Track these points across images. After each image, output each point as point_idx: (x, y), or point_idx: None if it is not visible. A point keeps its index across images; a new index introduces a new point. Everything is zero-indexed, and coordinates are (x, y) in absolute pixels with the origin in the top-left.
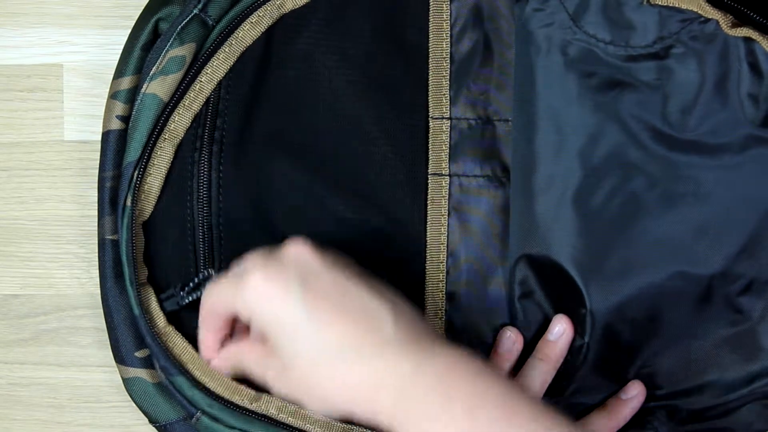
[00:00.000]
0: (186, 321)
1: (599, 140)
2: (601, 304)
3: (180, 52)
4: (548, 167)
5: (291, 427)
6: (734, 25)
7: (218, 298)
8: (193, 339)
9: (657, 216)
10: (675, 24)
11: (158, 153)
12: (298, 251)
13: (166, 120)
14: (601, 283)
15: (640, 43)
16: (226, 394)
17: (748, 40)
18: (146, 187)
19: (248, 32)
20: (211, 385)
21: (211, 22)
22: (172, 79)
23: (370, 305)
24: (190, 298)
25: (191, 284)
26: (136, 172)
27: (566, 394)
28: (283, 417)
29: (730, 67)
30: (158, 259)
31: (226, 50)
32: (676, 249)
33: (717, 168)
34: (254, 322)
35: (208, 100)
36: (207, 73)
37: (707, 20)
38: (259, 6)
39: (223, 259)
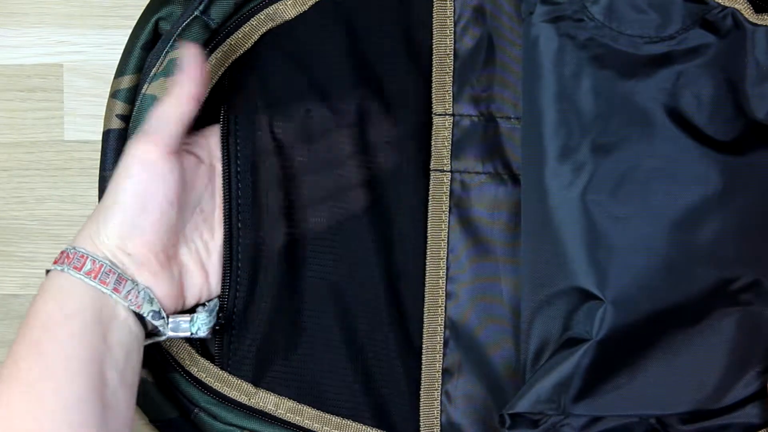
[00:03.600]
0: None
1: (615, 131)
2: (616, 301)
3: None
4: (560, 162)
5: (287, 422)
6: (758, 10)
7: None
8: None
9: (668, 207)
10: (693, 13)
11: None
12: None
13: None
14: (616, 277)
15: (656, 33)
16: (223, 390)
17: (759, 30)
18: None
19: (244, 37)
20: (208, 381)
21: (213, 25)
22: (172, 81)
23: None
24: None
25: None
26: None
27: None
28: (280, 413)
29: (741, 60)
30: None
31: (219, 56)
32: (684, 239)
33: (730, 160)
34: None
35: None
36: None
37: (724, 8)
38: (260, 10)
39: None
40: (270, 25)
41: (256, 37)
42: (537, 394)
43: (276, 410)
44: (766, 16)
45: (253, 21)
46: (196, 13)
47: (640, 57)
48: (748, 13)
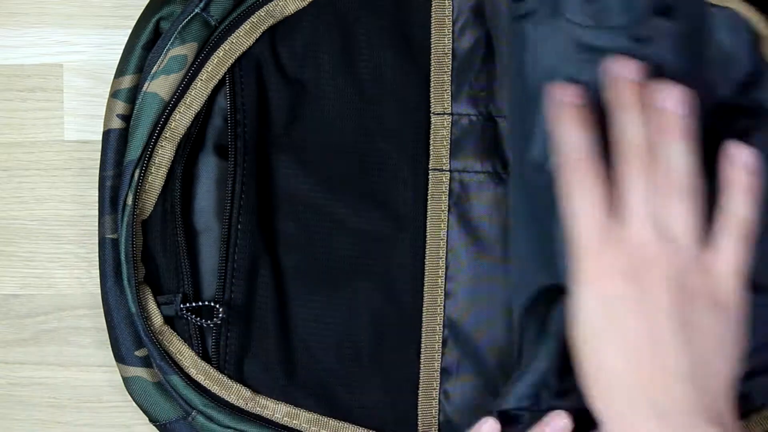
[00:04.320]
0: (182, 322)
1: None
2: None
3: (181, 51)
4: (544, 159)
5: (285, 426)
6: None
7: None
8: (189, 339)
9: None
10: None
11: (159, 152)
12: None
13: (167, 119)
14: None
15: (615, 23)
16: (222, 394)
17: (723, 10)
18: (147, 186)
19: (246, 34)
20: (207, 384)
21: (213, 22)
22: (173, 79)
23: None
24: (190, 316)
25: (193, 304)
26: (137, 170)
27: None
28: (277, 417)
29: (705, 43)
30: (155, 258)
31: (221, 54)
32: None
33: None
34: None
35: (233, 95)
36: (206, 72)
37: None
38: (260, 6)
39: (230, 262)
40: (271, 21)
41: (257, 34)
42: (520, 390)
43: (273, 415)
44: None
45: (254, 18)
46: (196, 11)
47: (599, 47)
48: None
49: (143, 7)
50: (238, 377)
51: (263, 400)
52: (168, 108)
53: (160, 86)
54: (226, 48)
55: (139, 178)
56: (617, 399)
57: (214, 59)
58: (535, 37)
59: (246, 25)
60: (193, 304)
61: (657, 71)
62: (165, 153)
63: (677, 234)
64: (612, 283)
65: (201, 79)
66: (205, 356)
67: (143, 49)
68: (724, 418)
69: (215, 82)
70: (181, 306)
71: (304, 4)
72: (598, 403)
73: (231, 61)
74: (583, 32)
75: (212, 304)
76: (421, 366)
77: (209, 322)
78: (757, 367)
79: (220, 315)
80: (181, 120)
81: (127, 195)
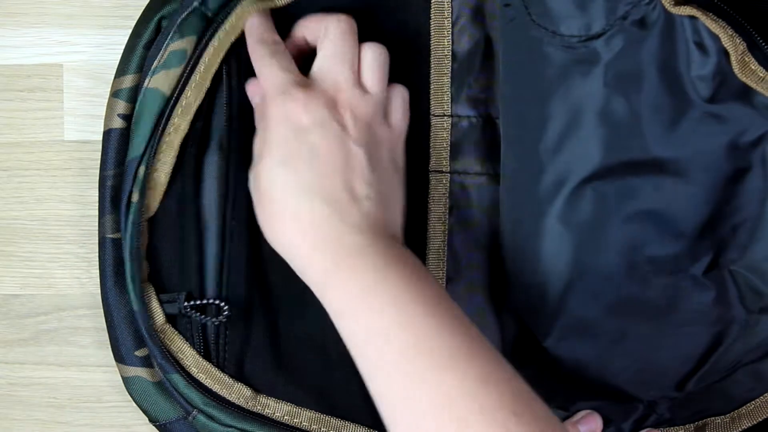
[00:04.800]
0: (184, 321)
1: (557, 135)
2: (583, 303)
3: (181, 45)
4: (522, 163)
5: (286, 425)
6: (677, 3)
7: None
8: (190, 338)
9: (621, 212)
10: (622, 8)
11: (163, 148)
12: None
13: (170, 114)
14: (584, 284)
15: (585, 33)
16: (223, 393)
17: (692, 18)
18: (152, 183)
19: (237, 22)
20: (208, 383)
21: (211, 15)
22: (174, 73)
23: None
24: (195, 314)
25: (197, 302)
26: (143, 167)
27: None
28: (278, 416)
29: (678, 49)
30: (161, 256)
31: (216, 44)
32: (639, 233)
33: (674, 148)
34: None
35: (230, 90)
36: (204, 64)
37: (651, 1)
38: None
39: (226, 258)
40: (267, 6)
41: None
42: None
43: (274, 413)
44: (684, 9)
45: (245, 3)
46: (195, 4)
47: (575, 56)
48: (668, 4)
49: (144, 7)
50: (239, 376)
51: (264, 399)
52: (170, 103)
53: (161, 81)
54: (221, 36)
55: (144, 175)
56: (315, 219)
57: (210, 49)
58: (512, 40)
59: (234, 15)
60: (198, 302)
61: (625, 82)
62: (169, 149)
63: (368, 85)
64: (312, 111)
65: (200, 72)
66: (206, 355)
67: (144, 48)
68: (400, 239)
69: (213, 72)
70: (186, 304)
71: None
72: (288, 232)
73: (226, 48)
74: (551, 38)
75: (217, 301)
76: None
77: (215, 320)
78: None
79: (226, 312)
80: (184, 115)
81: (131, 192)
